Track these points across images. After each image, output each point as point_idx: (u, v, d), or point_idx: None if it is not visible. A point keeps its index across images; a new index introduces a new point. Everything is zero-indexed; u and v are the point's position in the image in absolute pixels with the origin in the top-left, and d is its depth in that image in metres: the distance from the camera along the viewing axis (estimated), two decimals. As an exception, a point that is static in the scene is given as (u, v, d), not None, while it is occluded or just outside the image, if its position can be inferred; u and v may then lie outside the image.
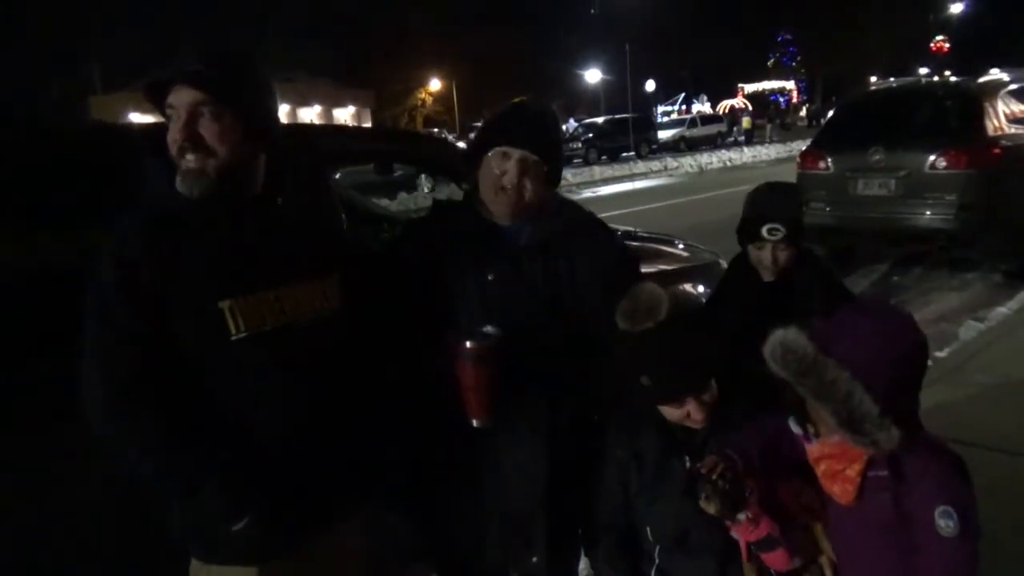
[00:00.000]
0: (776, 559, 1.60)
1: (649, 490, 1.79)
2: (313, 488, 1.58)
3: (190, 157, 1.47)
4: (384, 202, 9.97)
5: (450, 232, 1.83)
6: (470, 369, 1.67)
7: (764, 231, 2.09)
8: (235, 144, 1.50)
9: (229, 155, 1.50)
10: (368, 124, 46.29)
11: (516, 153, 1.73)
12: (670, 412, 1.74)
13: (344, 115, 47.16)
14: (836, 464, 1.50)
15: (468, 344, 1.66)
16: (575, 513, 1.92)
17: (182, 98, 1.47)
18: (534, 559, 1.86)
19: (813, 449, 1.52)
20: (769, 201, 2.16)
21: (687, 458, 1.73)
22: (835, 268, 2.49)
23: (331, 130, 5.38)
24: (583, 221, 1.92)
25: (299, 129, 3.11)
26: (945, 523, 1.39)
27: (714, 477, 1.54)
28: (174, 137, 1.48)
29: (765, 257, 2.12)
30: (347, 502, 1.69)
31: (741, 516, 1.56)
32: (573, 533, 2.00)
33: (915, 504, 1.44)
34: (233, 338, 1.48)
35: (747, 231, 2.15)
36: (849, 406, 1.36)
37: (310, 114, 43.60)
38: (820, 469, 1.54)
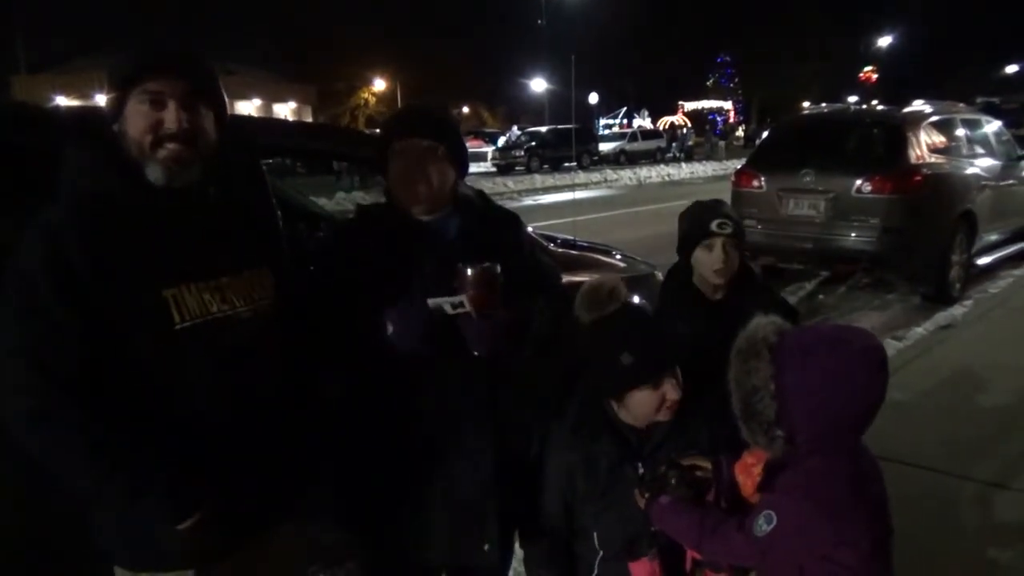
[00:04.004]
0: None
1: (599, 496, 1.79)
2: (255, 486, 1.54)
3: (173, 146, 1.44)
4: (322, 201, 9.80)
5: (379, 233, 1.85)
6: (473, 293, 1.70)
7: (714, 224, 2.11)
8: (216, 137, 1.53)
9: (211, 148, 1.51)
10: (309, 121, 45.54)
11: (409, 143, 1.78)
12: (644, 400, 1.72)
13: (284, 110, 46.34)
14: (750, 457, 1.57)
15: (468, 271, 1.70)
16: (518, 506, 1.92)
17: (173, 86, 1.45)
18: (486, 547, 1.85)
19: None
20: (711, 204, 2.22)
21: (639, 464, 1.74)
22: (774, 291, 2.54)
23: (269, 124, 5.24)
24: (504, 215, 2.02)
25: (235, 122, 3.03)
26: (761, 523, 1.43)
27: (671, 478, 1.61)
28: (154, 124, 1.44)
29: (715, 258, 2.10)
30: (284, 503, 1.66)
31: None
32: (513, 525, 2.00)
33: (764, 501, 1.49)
34: (177, 327, 1.44)
35: (694, 233, 2.15)
36: (749, 400, 1.43)
37: (249, 108, 42.67)
38: (741, 460, 1.61)
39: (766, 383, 1.41)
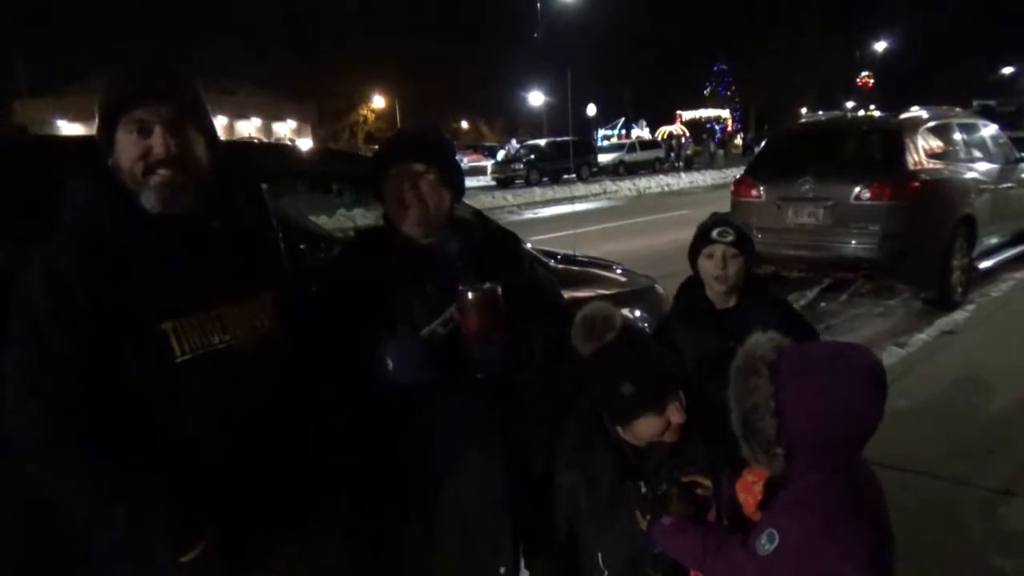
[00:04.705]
0: None
1: (601, 515, 1.79)
2: (259, 514, 1.53)
3: (164, 172, 1.44)
4: (322, 219, 9.80)
5: (379, 256, 1.86)
6: (473, 316, 1.69)
7: (714, 232, 2.17)
8: (208, 159, 1.51)
9: (203, 171, 1.50)
10: (309, 139, 45.75)
11: (403, 167, 1.79)
12: (649, 425, 1.71)
13: (284, 129, 46.56)
14: (750, 475, 1.56)
15: (469, 294, 1.69)
16: (524, 525, 1.92)
17: (158, 112, 1.44)
18: (502, 570, 1.84)
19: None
20: (718, 217, 2.27)
21: (641, 483, 1.74)
22: (788, 304, 2.48)
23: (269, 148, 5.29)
24: (502, 235, 2.03)
25: (235, 146, 3.05)
26: (764, 542, 1.43)
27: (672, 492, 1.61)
28: (143, 152, 1.44)
29: (715, 265, 2.16)
30: (287, 530, 1.64)
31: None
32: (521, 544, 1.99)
33: (765, 519, 1.49)
34: (178, 360, 1.43)
35: (697, 241, 2.23)
36: (749, 418, 1.42)
37: (248, 127, 42.87)
38: (741, 478, 1.60)
39: (766, 401, 1.40)
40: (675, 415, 1.70)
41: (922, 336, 5.84)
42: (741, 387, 1.43)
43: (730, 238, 2.16)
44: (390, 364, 1.67)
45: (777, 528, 1.42)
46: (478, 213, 2.03)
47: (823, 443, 1.40)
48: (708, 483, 1.66)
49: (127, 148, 1.45)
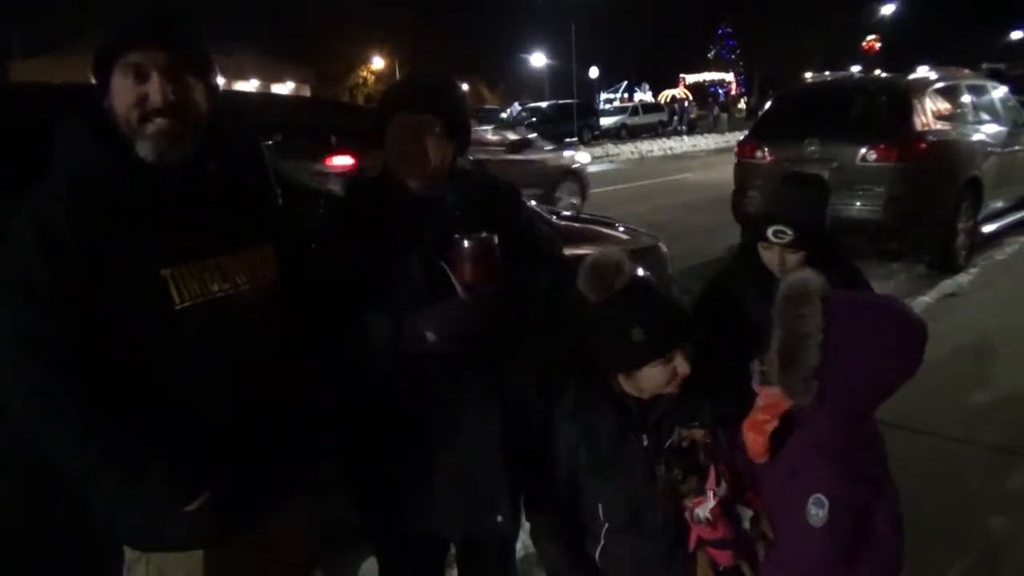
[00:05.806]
0: (722, 556, 1.62)
1: (603, 468, 1.77)
2: (261, 465, 1.52)
3: (161, 121, 1.40)
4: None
5: (376, 205, 1.81)
6: (467, 266, 1.66)
7: (769, 232, 1.97)
8: (206, 109, 1.47)
9: (201, 121, 1.46)
10: (308, 101, 45.24)
11: (407, 116, 1.73)
12: (654, 375, 1.69)
13: (282, 91, 46.04)
14: (762, 415, 1.55)
15: (465, 243, 1.66)
16: (524, 478, 1.91)
17: (155, 57, 1.39)
18: (499, 519, 1.84)
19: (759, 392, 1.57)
20: (784, 198, 2.02)
21: (644, 436, 1.73)
22: (860, 273, 2.25)
23: (267, 99, 5.21)
24: (503, 187, 1.97)
25: (232, 97, 3.00)
26: (816, 512, 1.43)
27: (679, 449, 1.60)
28: (139, 98, 1.39)
29: (771, 259, 2.02)
30: (291, 482, 1.64)
31: (701, 514, 1.56)
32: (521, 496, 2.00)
33: (798, 478, 1.49)
34: (177, 307, 1.41)
35: (756, 227, 2.03)
36: (796, 345, 1.40)
37: (246, 88, 42.42)
38: (750, 416, 1.59)
39: (816, 332, 1.38)
40: (681, 365, 1.68)
41: (925, 298, 5.83)
42: (792, 313, 1.41)
43: (787, 239, 1.95)
44: (430, 336, 1.64)
45: (818, 489, 1.43)
46: (479, 163, 1.99)
47: (857, 388, 1.41)
48: (707, 440, 1.64)
49: (122, 93, 1.41)
